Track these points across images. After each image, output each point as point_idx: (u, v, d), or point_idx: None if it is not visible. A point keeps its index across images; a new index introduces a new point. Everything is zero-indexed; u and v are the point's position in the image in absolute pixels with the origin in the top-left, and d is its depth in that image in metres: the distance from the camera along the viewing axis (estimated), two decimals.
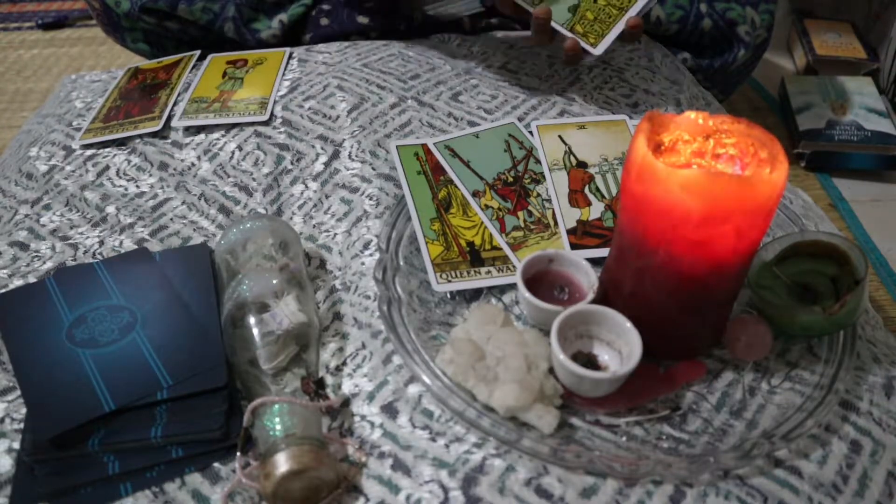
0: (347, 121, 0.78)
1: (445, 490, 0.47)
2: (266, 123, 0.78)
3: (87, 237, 0.67)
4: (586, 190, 0.68)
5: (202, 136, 0.78)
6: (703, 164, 0.50)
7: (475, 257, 0.62)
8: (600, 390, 0.51)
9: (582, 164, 0.70)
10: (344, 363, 0.56)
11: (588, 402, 0.51)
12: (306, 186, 0.71)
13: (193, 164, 0.75)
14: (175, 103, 0.82)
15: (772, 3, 1.00)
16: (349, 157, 0.74)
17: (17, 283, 0.63)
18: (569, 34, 0.76)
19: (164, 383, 0.51)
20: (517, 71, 0.88)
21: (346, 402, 0.53)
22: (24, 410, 0.52)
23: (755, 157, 0.48)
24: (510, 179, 0.69)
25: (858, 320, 0.56)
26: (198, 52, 0.91)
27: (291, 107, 0.80)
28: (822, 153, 1.21)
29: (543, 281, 0.58)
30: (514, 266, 0.61)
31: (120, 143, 0.78)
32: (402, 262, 0.61)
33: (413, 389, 0.53)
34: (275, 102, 0.81)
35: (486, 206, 0.66)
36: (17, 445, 0.50)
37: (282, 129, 0.77)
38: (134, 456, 0.49)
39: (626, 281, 0.53)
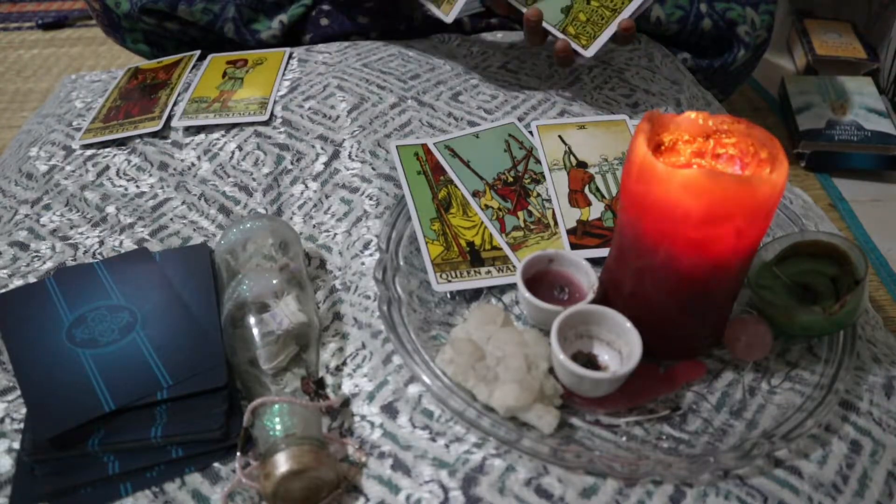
0: (347, 121, 0.78)
1: (445, 490, 0.47)
2: (266, 123, 0.78)
3: (87, 237, 0.67)
4: (586, 190, 0.68)
5: (202, 136, 0.78)
6: (703, 164, 0.50)
7: (475, 257, 0.62)
8: (600, 390, 0.51)
9: (582, 164, 0.70)
10: (344, 363, 0.56)
11: (588, 402, 0.51)
12: (306, 186, 0.71)
13: (193, 164, 0.75)
14: (175, 103, 0.82)
15: (772, 3, 1.00)
16: (349, 157, 0.74)
17: (17, 283, 0.63)
18: (560, 35, 0.76)
19: (164, 383, 0.51)
20: (517, 71, 0.88)
21: (346, 402, 0.53)
22: (24, 410, 0.52)
23: (755, 157, 0.48)
24: (510, 179, 0.69)
25: (858, 320, 0.56)
26: (198, 52, 0.91)
27: (291, 107, 0.80)
28: (822, 153, 1.21)
29: (543, 281, 0.58)
30: (514, 266, 0.61)
31: (120, 143, 0.78)
32: (402, 262, 0.61)
33: (413, 389, 0.53)
34: (275, 102, 0.81)
35: (486, 206, 0.66)
36: (17, 445, 0.50)
37: (282, 129, 0.77)
38: (134, 456, 0.49)
39: (626, 281, 0.53)
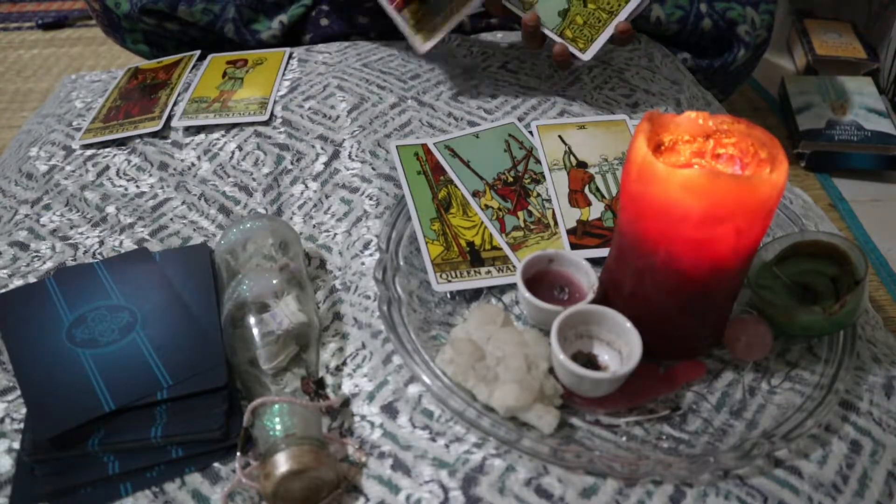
0: (347, 121, 0.78)
1: (445, 490, 0.47)
2: (266, 123, 0.78)
3: (87, 237, 0.67)
4: (586, 190, 0.68)
5: (202, 136, 0.78)
6: (703, 164, 0.50)
7: (475, 257, 0.62)
8: (600, 390, 0.51)
9: (582, 164, 0.70)
10: (344, 363, 0.56)
11: (588, 402, 0.51)
12: (306, 186, 0.71)
13: (193, 164, 0.75)
14: (175, 103, 0.82)
15: (772, 3, 1.00)
16: (349, 157, 0.74)
17: (17, 283, 0.63)
18: (558, 40, 0.77)
19: (164, 383, 0.51)
20: (517, 71, 0.88)
21: (346, 402, 0.53)
22: (24, 410, 0.52)
23: (755, 157, 0.48)
24: (510, 179, 0.69)
25: (858, 320, 0.56)
26: (198, 52, 0.91)
27: (291, 107, 0.80)
28: (822, 153, 1.21)
29: (543, 281, 0.58)
30: (514, 266, 0.61)
31: (120, 143, 0.78)
32: (402, 262, 0.61)
33: (413, 389, 0.53)
34: (275, 102, 0.81)
35: (486, 206, 0.66)
36: (17, 445, 0.50)
37: (282, 129, 0.77)
38: (134, 456, 0.49)
39: (626, 281, 0.53)
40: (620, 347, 0.52)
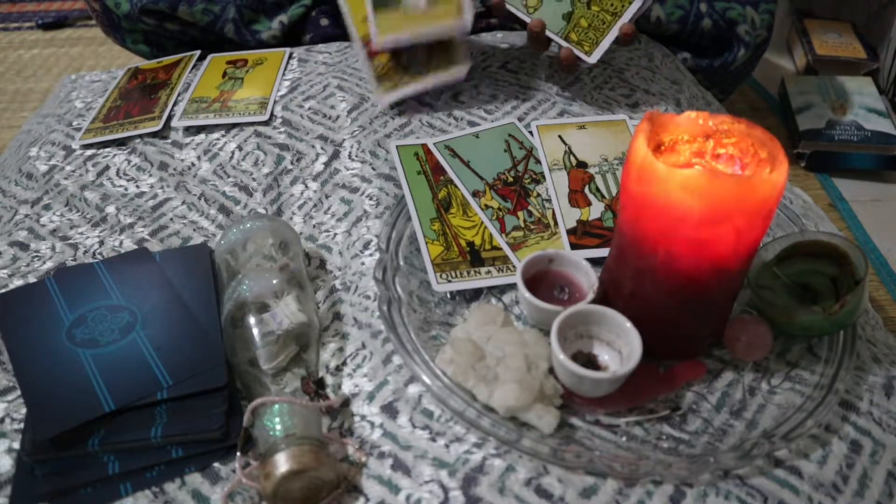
0: (347, 121, 0.78)
1: (445, 490, 0.47)
2: (266, 123, 0.78)
3: (87, 237, 0.67)
4: (586, 190, 0.68)
5: (202, 136, 0.78)
6: (703, 164, 0.50)
7: (475, 257, 0.62)
8: (600, 390, 0.51)
9: (582, 164, 0.70)
10: (344, 363, 0.56)
11: (588, 402, 0.51)
12: (306, 186, 0.71)
13: (193, 164, 0.75)
14: (175, 103, 0.82)
15: (772, 2, 1.00)
16: (349, 157, 0.74)
17: (17, 283, 0.63)
18: (564, 44, 0.77)
19: (164, 383, 0.51)
20: (517, 71, 0.88)
21: (346, 402, 0.53)
22: (24, 410, 0.52)
23: (755, 157, 0.48)
24: (510, 179, 0.69)
25: (858, 320, 0.56)
26: (198, 53, 0.91)
27: (291, 107, 0.80)
28: (822, 153, 1.21)
29: (543, 281, 0.58)
30: (514, 266, 0.61)
31: (120, 143, 0.78)
32: (402, 262, 0.61)
33: (413, 389, 0.53)
34: (275, 102, 0.81)
35: (486, 206, 0.66)
36: (17, 445, 0.50)
37: (282, 129, 0.77)
38: (134, 456, 0.49)
39: (626, 281, 0.53)
40: (620, 347, 0.52)
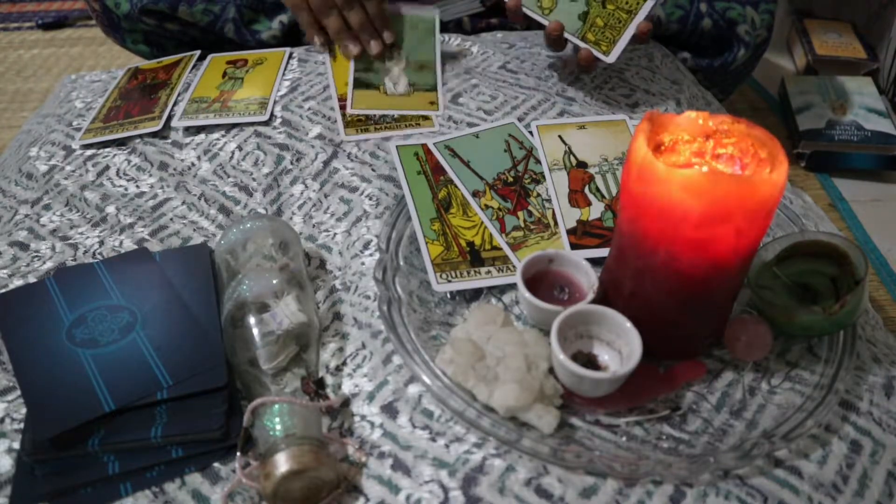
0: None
1: (445, 490, 0.47)
2: (266, 123, 0.78)
3: (87, 237, 0.67)
4: (586, 190, 0.68)
5: (202, 136, 0.78)
6: (703, 163, 0.50)
7: (475, 257, 0.62)
8: (600, 390, 0.51)
9: (582, 164, 0.70)
10: (344, 363, 0.56)
11: (588, 402, 0.51)
12: (306, 186, 0.71)
13: (193, 164, 0.75)
14: (175, 103, 0.82)
15: (772, 2, 1.00)
16: (349, 156, 0.74)
17: (17, 283, 0.63)
18: (582, 45, 0.77)
19: (164, 383, 0.51)
20: (517, 71, 0.88)
21: (346, 402, 0.53)
22: (24, 410, 0.52)
23: (755, 157, 0.48)
24: (510, 179, 0.69)
25: (858, 320, 0.56)
26: (198, 53, 0.91)
27: (291, 107, 0.80)
28: (822, 153, 1.21)
29: (543, 281, 0.58)
30: (514, 266, 0.61)
31: (120, 143, 0.78)
32: (402, 262, 0.61)
33: (413, 389, 0.53)
34: (275, 102, 0.81)
35: (486, 206, 0.66)
36: (17, 445, 0.50)
37: (282, 129, 0.77)
38: (134, 456, 0.49)
39: (626, 281, 0.53)
40: (620, 347, 0.52)
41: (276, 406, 0.48)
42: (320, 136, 0.76)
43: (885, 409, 0.53)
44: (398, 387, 0.53)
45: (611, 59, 0.76)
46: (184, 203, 0.71)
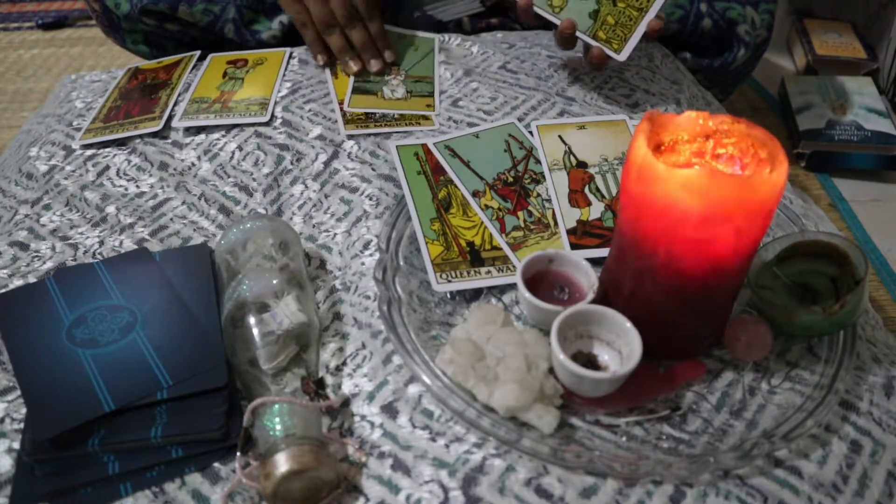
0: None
1: (445, 490, 0.47)
2: (266, 124, 0.78)
3: (87, 237, 0.67)
4: (586, 190, 0.68)
5: (202, 136, 0.78)
6: (703, 164, 0.50)
7: (475, 257, 0.62)
8: (600, 390, 0.51)
9: (582, 164, 0.70)
10: (344, 363, 0.56)
11: (588, 402, 0.51)
12: (306, 186, 0.71)
13: (193, 165, 0.75)
14: (175, 103, 0.82)
15: (772, 2, 1.00)
16: (349, 157, 0.74)
17: (17, 283, 0.63)
18: (594, 43, 0.77)
19: (164, 383, 0.51)
20: (517, 71, 0.88)
21: (346, 402, 0.53)
22: (24, 410, 0.52)
23: (755, 157, 0.48)
24: (510, 179, 0.69)
25: (858, 320, 0.56)
26: (198, 53, 0.91)
27: (292, 108, 0.80)
28: (822, 153, 1.21)
29: (543, 281, 0.58)
30: (514, 266, 0.61)
31: (120, 143, 0.78)
32: (402, 262, 0.61)
33: (413, 389, 0.53)
34: (275, 103, 0.81)
35: (486, 206, 0.66)
36: (17, 445, 0.50)
37: (282, 130, 0.77)
38: (134, 456, 0.49)
39: (626, 281, 0.53)
40: (620, 347, 0.52)
41: (276, 406, 0.48)
42: (321, 137, 0.76)
43: (885, 409, 0.53)
44: (398, 387, 0.53)
45: (622, 57, 0.76)
46: (184, 203, 0.71)
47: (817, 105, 1.26)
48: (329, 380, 0.54)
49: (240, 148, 0.76)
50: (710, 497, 0.47)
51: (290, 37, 0.97)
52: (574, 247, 0.63)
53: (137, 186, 0.73)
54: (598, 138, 0.73)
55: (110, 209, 0.70)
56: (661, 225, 0.47)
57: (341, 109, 0.79)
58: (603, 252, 0.61)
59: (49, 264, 0.65)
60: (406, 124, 0.77)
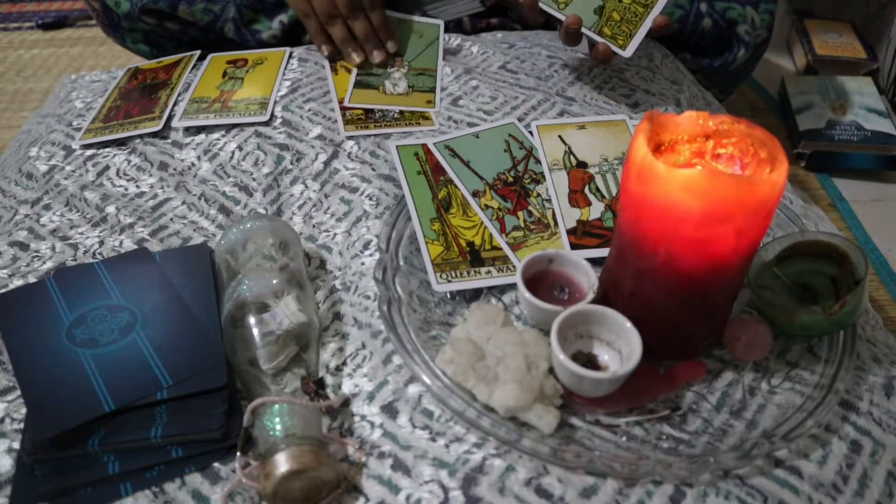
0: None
1: (445, 490, 0.47)
2: (266, 124, 0.78)
3: (87, 237, 0.67)
4: (586, 190, 0.68)
5: (202, 136, 0.78)
6: (703, 164, 0.50)
7: (475, 257, 0.62)
8: (600, 390, 0.51)
9: (582, 164, 0.70)
10: (344, 363, 0.56)
11: (588, 402, 0.51)
12: (306, 186, 0.71)
13: (193, 164, 0.75)
14: (175, 103, 0.82)
15: (772, 2, 1.00)
16: (349, 157, 0.74)
17: (17, 283, 0.63)
18: (599, 39, 0.77)
19: (164, 383, 0.51)
20: (517, 71, 0.88)
21: (346, 402, 0.53)
22: (24, 410, 0.52)
23: (755, 157, 0.48)
24: (510, 179, 0.69)
25: (858, 320, 0.56)
26: (198, 52, 0.91)
27: (292, 107, 0.80)
28: (822, 153, 1.21)
29: (543, 281, 0.58)
30: (514, 266, 0.61)
31: (120, 143, 0.78)
32: (402, 262, 0.61)
33: (413, 389, 0.53)
34: (275, 103, 0.81)
35: (486, 206, 0.66)
36: (17, 445, 0.50)
37: (282, 129, 0.77)
38: (134, 456, 0.49)
39: (626, 281, 0.53)
40: (620, 347, 0.52)
41: (276, 406, 0.48)
42: (321, 137, 0.76)
43: (885, 409, 0.53)
44: (398, 387, 0.53)
45: (627, 53, 0.76)
46: (184, 203, 0.71)
47: (817, 105, 1.26)
48: (329, 380, 0.54)
49: (240, 148, 0.76)
50: (710, 497, 0.47)
51: (290, 36, 0.97)
52: (574, 247, 0.63)
53: (137, 186, 0.73)
54: (598, 138, 0.73)
55: (110, 209, 0.70)
56: (661, 225, 0.47)
57: (341, 109, 0.79)
58: (603, 252, 0.61)
59: (49, 264, 0.65)
60: (406, 124, 0.77)
